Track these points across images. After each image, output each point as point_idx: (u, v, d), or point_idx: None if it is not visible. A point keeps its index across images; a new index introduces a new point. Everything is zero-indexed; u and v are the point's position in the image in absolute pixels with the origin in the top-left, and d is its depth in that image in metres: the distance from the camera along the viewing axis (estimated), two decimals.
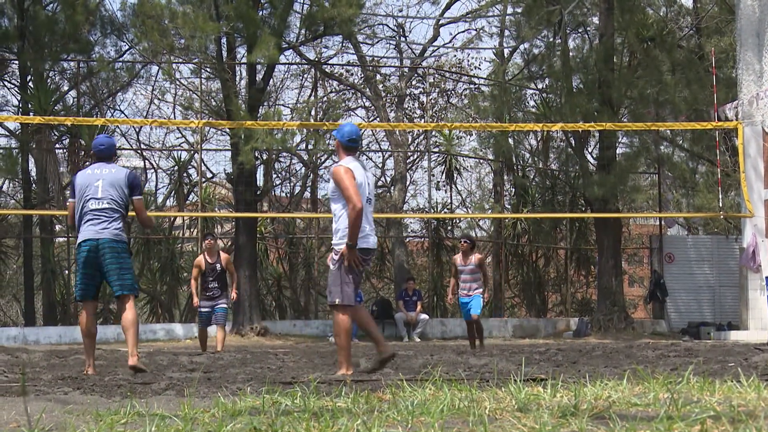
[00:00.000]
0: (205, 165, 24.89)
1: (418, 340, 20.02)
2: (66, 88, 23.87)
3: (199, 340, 13.74)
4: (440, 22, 28.59)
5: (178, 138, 26.70)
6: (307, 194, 26.37)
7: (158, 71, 23.70)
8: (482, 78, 27.68)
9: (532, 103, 27.12)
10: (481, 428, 3.00)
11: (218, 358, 9.48)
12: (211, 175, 26.25)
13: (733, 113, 19.49)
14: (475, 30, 29.15)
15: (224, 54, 21.15)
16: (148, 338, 18.89)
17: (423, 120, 25.90)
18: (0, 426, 3.53)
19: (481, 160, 28.07)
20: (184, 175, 24.76)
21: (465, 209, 28.47)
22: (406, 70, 26.84)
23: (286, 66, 25.61)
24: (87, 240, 7.49)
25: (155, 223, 22.00)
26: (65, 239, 24.31)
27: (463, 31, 35.48)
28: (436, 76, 27.16)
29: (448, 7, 28.70)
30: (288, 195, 26.59)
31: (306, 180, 26.11)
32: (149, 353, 10.85)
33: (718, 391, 4.18)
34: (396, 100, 26.41)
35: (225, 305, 13.27)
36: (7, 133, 23.87)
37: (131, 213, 8.01)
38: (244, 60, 21.80)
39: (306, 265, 24.58)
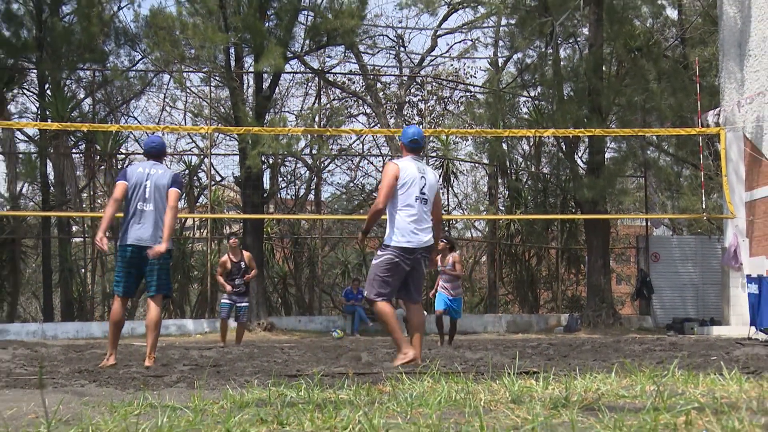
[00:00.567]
0: (214, 169, 24.94)
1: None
2: (82, 95, 23.93)
3: (219, 332, 13.99)
4: (438, 33, 28.67)
5: (188, 143, 26.79)
6: (312, 197, 26.37)
7: (170, 80, 23.77)
8: (478, 86, 27.73)
9: (525, 110, 27.16)
10: (476, 419, 3.00)
11: (227, 352, 9.48)
12: (220, 178, 26.32)
13: (715, 120, 19.48)
14: (471, 40, 29.30)
15: (232, 63, 21.17)
16: (161, 333, 18.78)
17: (421, 126, 25.88)
18: (19, 417, 3.53)
19: (477, 164, 28.09)
20: (195, 178, 24.79)
21: (461, 211, 28.47)
22: (405, 78, 26.86)
23: (292, 75, 25.68)
24: (133, 242, 7.45)
25: (176, 224, 21.89)
26: (82, 239, 24.33)
27: (460, 42, 35.65)
28: (434, 84, 27.16)
29: (445, 18, 28.84)
30: (293, 197, 26.59)
31: (310, 183, 26.12)
32: (162, 347, 10.84)
33: (701, 384, 4.19)
34: (396, 107, 26.41)
35: (247, 303, 13.60)
36: (26, 139, 23.93)
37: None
38: (252, 69, 21.83)
39: (310, 264, 24.56)
